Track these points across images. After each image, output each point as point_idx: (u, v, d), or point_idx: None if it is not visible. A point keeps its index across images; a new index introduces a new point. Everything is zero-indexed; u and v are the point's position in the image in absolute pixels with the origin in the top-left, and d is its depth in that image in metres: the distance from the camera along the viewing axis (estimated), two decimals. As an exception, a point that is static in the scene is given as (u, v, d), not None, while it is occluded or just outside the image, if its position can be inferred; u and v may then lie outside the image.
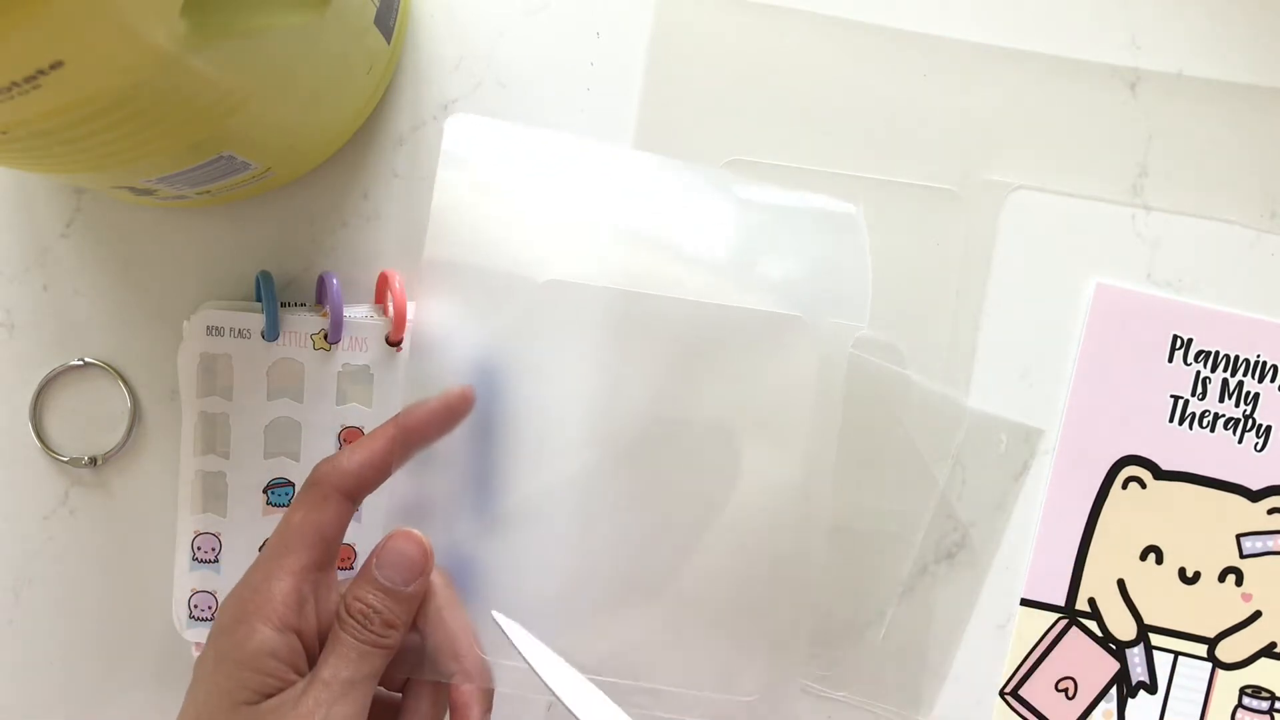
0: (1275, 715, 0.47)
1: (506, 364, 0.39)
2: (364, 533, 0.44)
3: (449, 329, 0.40)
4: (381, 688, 0.37)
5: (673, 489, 0.39)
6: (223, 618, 0.35)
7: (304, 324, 0.44)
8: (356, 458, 0.36)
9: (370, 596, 0.35)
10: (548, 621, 0.40)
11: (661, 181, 0.39)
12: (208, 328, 0.43)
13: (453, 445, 0.39)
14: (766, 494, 0.38)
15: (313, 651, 0.36)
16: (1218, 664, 0.47)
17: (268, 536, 0.44)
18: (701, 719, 0.38)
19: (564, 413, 0.39)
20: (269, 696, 0.34)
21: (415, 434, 0.37)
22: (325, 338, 0.43)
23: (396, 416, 0.37)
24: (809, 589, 0.39)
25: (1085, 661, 0.47)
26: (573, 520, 0.39)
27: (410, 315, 0.43)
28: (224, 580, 0.44)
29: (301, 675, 0.35)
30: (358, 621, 0.35)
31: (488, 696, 0.38)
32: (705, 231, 0.39)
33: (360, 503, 0.37)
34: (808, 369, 0.38)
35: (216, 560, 0.44)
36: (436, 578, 0.37)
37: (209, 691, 0.34)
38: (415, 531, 0.37)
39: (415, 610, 0.36)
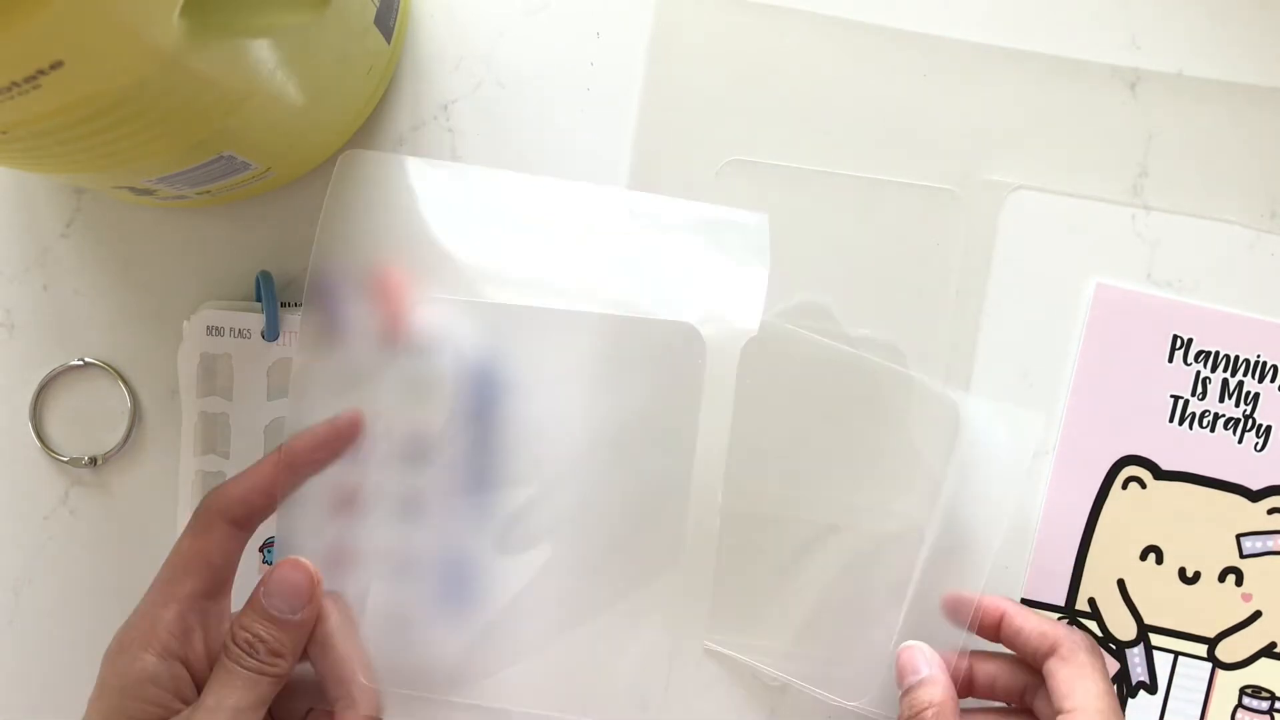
0: (1275, 715, 0.47)
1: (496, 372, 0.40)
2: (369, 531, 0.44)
3: (448, 329, 0.40)
4: None
5: (592, 492, 0.41)
6: (110, 648, 0.35)
7: (304, 324, 0.43)
8: (242, 484, 0.37)
9: (257, 625, 0.35)
10: (546, 625, 0.40)
11: (564, 201, 0.41)
12: (208, 328, 0.43)
13: (450, 445, 0.39)
14: (663, 496, 0.41)
15: (201, 680, 0.35)
16: (1218, 664, 0.47)
17: (266, 537, 0.44)
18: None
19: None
20: None
21: (302, 459, 0.38)
22: (326, 338, 0.43)
23: (283, 444, 0.37)
24: (706, 572, 0.42)
25: (1085, 661, 0.47)
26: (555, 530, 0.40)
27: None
28: (224, 580, 0.44)
29: (187, 702, 0.35)
30: (243, 650, 0.35)
31: None
32: (608, 247, 0.41)
33: (252, 530, 0.37)
34: (699, 375, 0.40)
35: (216, 560, 0.44)
36: (330, 604, 0.37)
37: None
38: (303, 560, 0.37)
39: (305, 638, 0.36)
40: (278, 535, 0.38)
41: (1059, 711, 0.39)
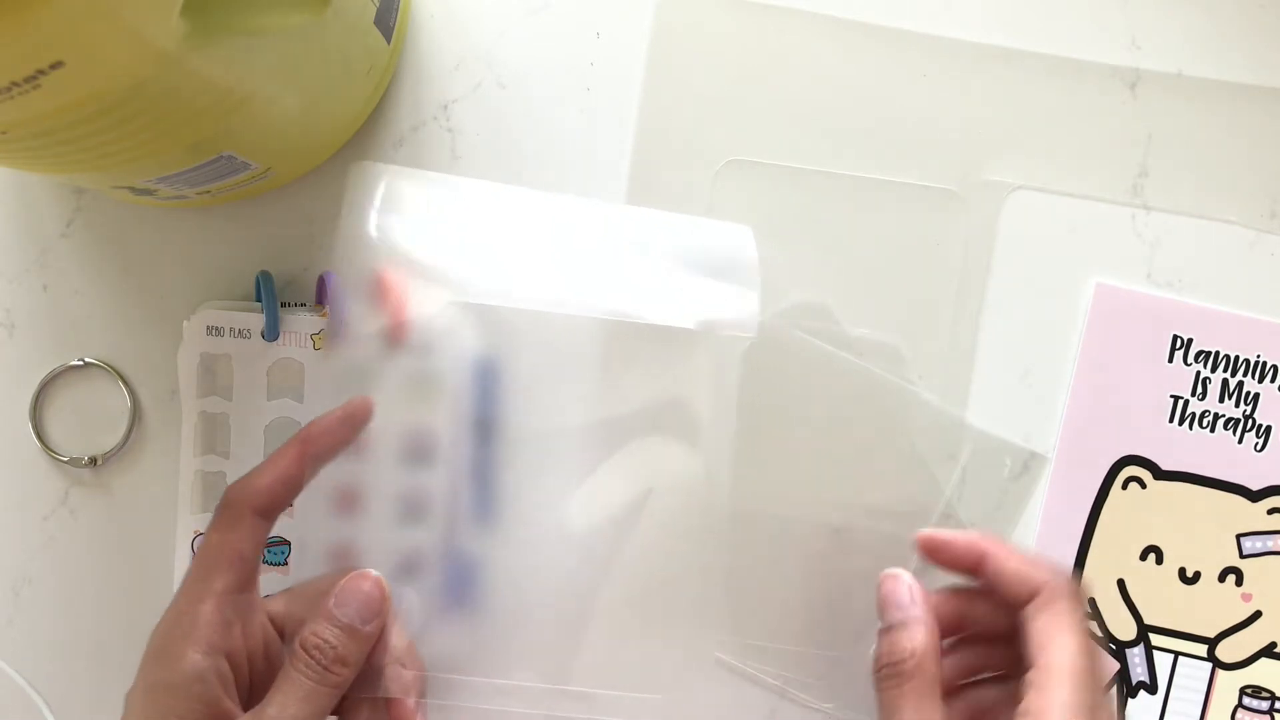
0: (1275, 715, 0.47)
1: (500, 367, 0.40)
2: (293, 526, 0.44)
3: (450, 329, 0.40)
4: None
5: (598, 494, 0.41)
6: (150, 647, 0.35)
7: (304, 324, 0.44)
8: (267, 476, 0.37)
9: (327, 632, 0.35)
10: (548, 627, 0.40)
11: (570, 214, 0.43)
12: (208, 328, 0.43)
13: (452, 445, 0.40)
14: (676, 492, 0.41)
15: (241, 674, 0.36)
16: (1218, 664, 0.47)
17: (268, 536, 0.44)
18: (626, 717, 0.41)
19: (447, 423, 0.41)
20: None
21: (321, 447, 0.38)
22: (326, 338, 0.44)
23: (300, 432, 0.38)
24: (714, 576, 0.43)
25: (1085, 661, 0.47)
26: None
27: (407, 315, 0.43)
28: (224, 580, 0.44)
29: (232, 699, 0.35)
30: (311, 656, 0.35)
31: (421, 688, 0.38)
32: (601, 259, 0.42)
33: (275, 519, 0.37)
34: (705, 377, 0.41)
35: (216, 560, 0.44)
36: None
37: None
38: (374, 572, 0.37)
39: (368, 651, 0.36)
40: (296, 530, 0.40)
41: (1029, 666, 0.35)
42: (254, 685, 0.36)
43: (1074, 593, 0.36)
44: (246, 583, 0.36)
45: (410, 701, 0.37)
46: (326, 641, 0.35)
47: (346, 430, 0.38)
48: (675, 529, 0.41)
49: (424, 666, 0.38)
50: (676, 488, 0.41)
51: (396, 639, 0.38)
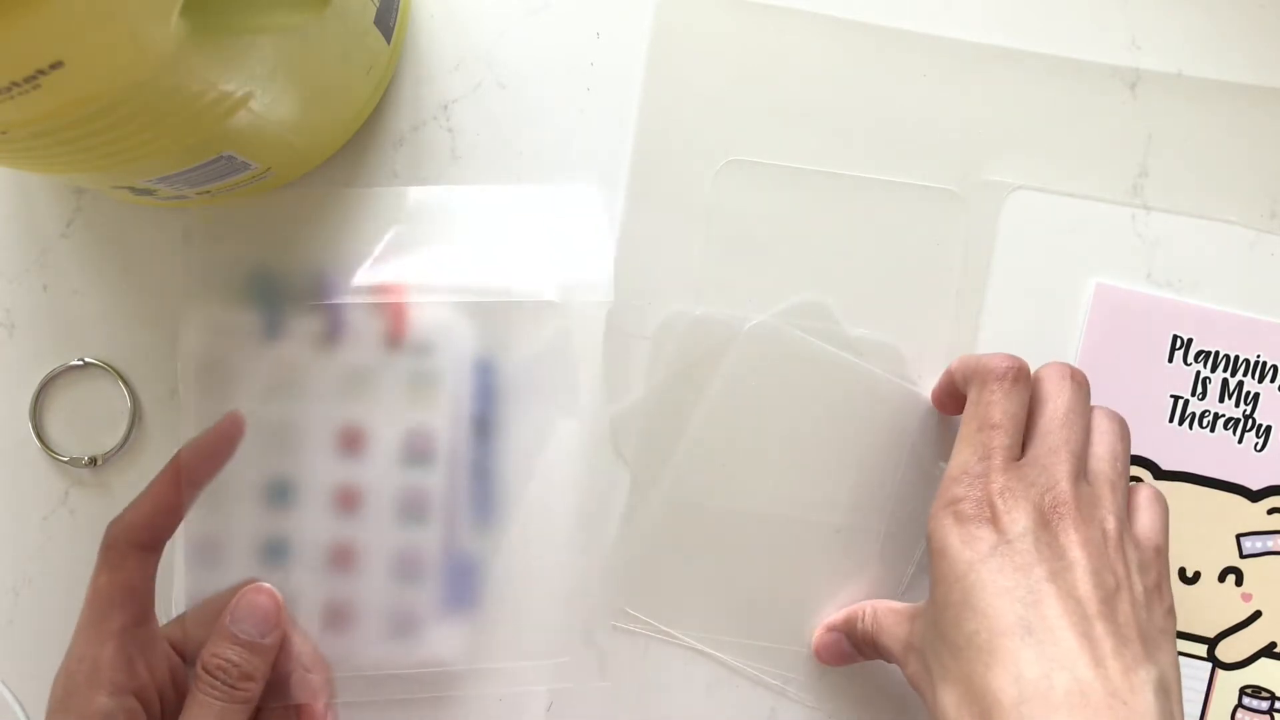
0: (1275, 715, 0.47)
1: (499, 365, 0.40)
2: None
3: (448, 329, 0.40)
4: None
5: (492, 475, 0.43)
6: (55, 696, 0.35)
7: (304, 324, 0.44)
8: (144, 510, 0.37)
9: (228, 651, 0.36)
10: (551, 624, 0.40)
11: (421, 205, 0.44)
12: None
13: (452, 445, 0.40)
14: (559, 464, 0.43)
15: (152, 708, 0.36)
16: (1218, 664, 0.47)
17: (268, 536, 0.44)
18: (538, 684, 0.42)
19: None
20: None
21: (197, 471, 0.39)
22: (325, 338, 0.43)
23: (174, 459, 0.38)
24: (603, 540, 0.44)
25: (1085, 661, 0.47)
26: None
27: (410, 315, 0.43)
28: (224, 580, 0.44)
29: None
30: (215, 677, 0.35)
31: (329, 690, 0.39)
32: (469, 241, 0.44)
33: (161, 549, 0.38)
34: (568, 349, 0.43)
35: (216, 560, 0.44)
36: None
37: None
38: (267, 585, 0.37)
39: (272, 662, 0.37)
40: (192, 544, 0.40)
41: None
42: (166, 716, 0.37)
43: (982, 380, 0.40)
44: (143, 617, 0.37)
45: (320, 705, 0.38)
46: (229, 660, 0.36)
47: (221, 451, 0.39)
48: (563, 495, 0.43)
49: (330, 669, 0.39)
50: (563, 455, 0.43)
51: (300, 644, 0.38)
